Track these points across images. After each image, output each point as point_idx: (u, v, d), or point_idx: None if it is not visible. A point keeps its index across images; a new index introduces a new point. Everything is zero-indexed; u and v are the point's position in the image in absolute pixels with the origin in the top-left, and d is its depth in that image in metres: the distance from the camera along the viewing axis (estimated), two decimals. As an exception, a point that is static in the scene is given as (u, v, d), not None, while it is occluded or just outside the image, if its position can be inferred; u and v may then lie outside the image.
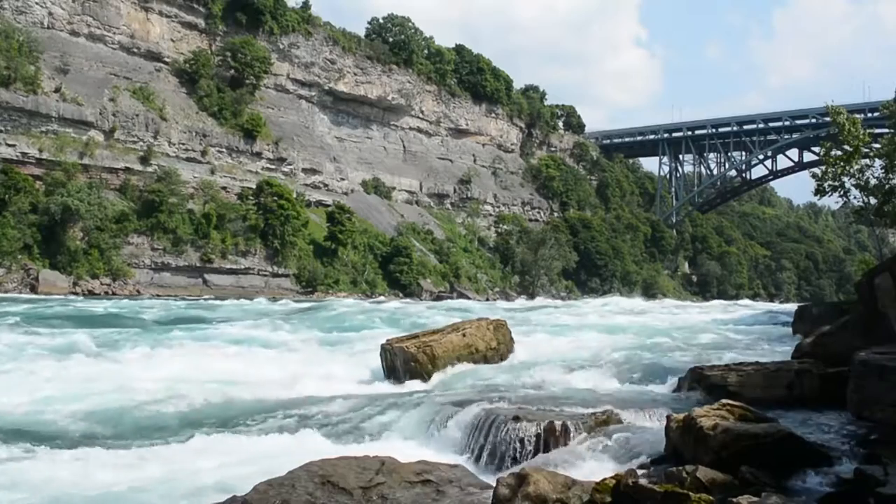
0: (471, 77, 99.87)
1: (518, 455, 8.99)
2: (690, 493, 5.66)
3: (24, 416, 11.76)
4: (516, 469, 7.12)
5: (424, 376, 14.95)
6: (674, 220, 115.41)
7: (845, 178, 23.69)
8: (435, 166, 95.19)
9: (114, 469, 9.08)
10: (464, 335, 16.18)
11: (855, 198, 24.63)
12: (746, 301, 78.96)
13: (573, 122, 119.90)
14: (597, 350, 18.48)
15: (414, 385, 14.50)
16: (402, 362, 15.38)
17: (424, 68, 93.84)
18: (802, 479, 6.65)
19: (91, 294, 49.90)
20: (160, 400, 12.89)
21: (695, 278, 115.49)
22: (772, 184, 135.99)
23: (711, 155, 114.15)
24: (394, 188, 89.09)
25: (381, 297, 65.49)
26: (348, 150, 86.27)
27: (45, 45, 58.26)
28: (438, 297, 70.63)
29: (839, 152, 24.29)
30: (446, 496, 6.96)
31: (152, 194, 58.73)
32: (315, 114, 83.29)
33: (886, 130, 41.27)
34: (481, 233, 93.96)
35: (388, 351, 15.88)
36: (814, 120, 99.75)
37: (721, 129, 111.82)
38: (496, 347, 16.73)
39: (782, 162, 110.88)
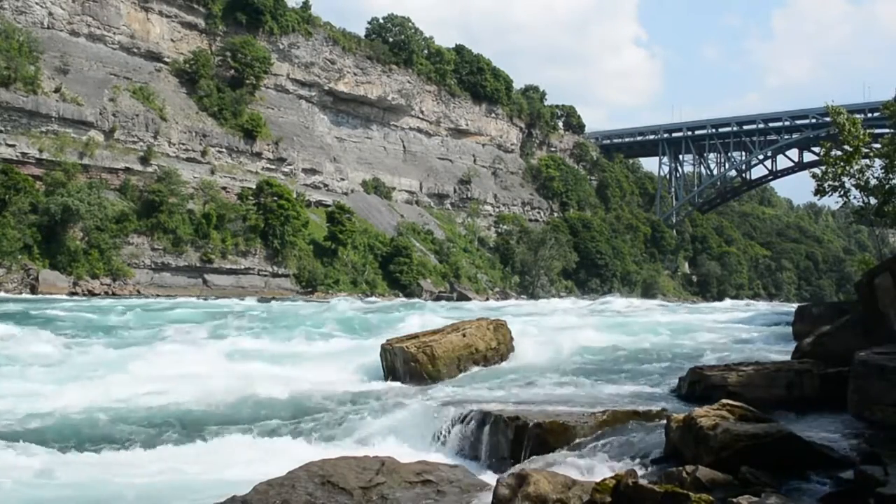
0: (471, 77, 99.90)
1: (518, 455, 8.98)
2: (690, 494, 5.65)
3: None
4: (516, 469, 7.12)
5: (424, 376, 14.93)
6: (674, 220, 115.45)
7: (845, 178, 23.62)
8: (435, 166, 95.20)
9: (115, 470, 9.08)
10: (464, 335, 16.17)
11: (855, 198, 24.57)
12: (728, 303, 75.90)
13: (573, 122, 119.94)
14: (596, 350, 18.48)
15: (414, 385, 14.48)
16: (401, 362, 15.37)
17: (424, 68, 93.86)
18: (802, 479, 6.64)
19: (91, 294, 49.90)
20: (156, 400, 12.88)
21: (695, 278, 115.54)
22: (772, 184, 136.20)
23: (711, 155, 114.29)
24: (394, 188, 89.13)
25: (375, 299, 65.30)
26: (348, 150, 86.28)
27: (45, 45, 58.31)
28: (438, 298, 70.63)
29: (839, 152, 24.25)
30: (446, 496, 6.96)
31: (152, 194, 58.75)
32: (315, 114, 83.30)
33: (886, 130, 41.30)
34: (481, 233, 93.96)
35: (387, 351, 15.88)
36: (814, 120, 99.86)
37: (721, 129, 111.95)
38: (496, 347, 16.72)
39: (782, 162, 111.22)
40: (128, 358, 16.94)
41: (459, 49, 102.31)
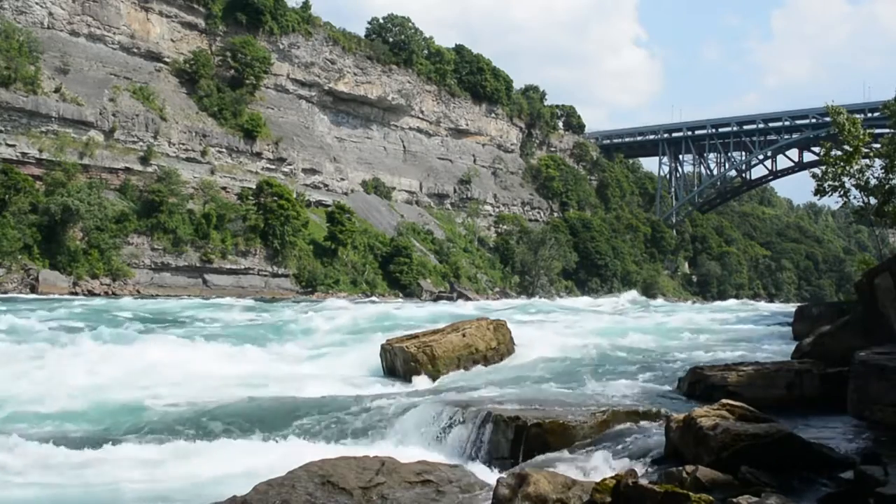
0: (471, 77, 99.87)
1: (518, 455, 8.98)
2: (690, 494, 5.65)
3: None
4: (516, 469, 7.12)
5: (424, 376, 14.95)
6: (674, 220, 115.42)
7: (845, 178, 23.68)
8: (435, 166, 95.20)
9: (114, 468, 9.08)
10: (464, 335, 16.19)
11: (855, 198, 24.64)
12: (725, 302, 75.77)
13: (573, 122, 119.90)
14: (596, 350, 18.48)
15: (414, 385, 14.49)
16: (402, 362, 15.38)
17: (424, 68, 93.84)
18: (802, 479, 6.64)
19: (91, 294, 49.91)
20: (157, 400, 12.86)
21: (695, 278, 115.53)
22: (772, 184, 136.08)
23: (711, 155, 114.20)
24: (394, 188, 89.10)
25: (374, 299, 65.17)
26: (348, 150, 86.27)
27: (45, 45, 58.29)
28: (438, 298, 70.57)
29: (839, 152, 24.30)
30: (446, 496, 6.96)
31: (152, 194, 58.74)
32: (315, 114, 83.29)
33: (886, 130, 41.31)
34: (481, 233, 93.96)
35: (388, 351, 15.90)
36: (814, 120, 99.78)
37: (721, 129, 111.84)
38: (496, 347, 16.74)
39: (782, 162, 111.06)
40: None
41: (459, 49, 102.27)
